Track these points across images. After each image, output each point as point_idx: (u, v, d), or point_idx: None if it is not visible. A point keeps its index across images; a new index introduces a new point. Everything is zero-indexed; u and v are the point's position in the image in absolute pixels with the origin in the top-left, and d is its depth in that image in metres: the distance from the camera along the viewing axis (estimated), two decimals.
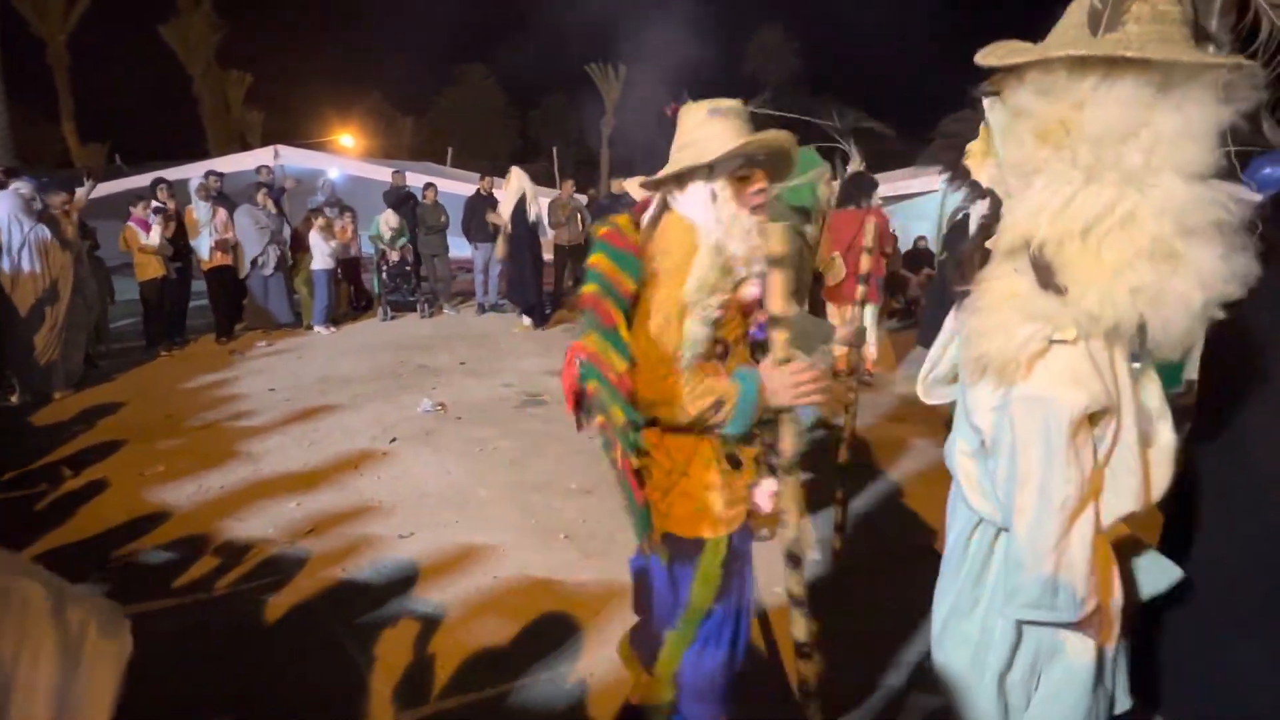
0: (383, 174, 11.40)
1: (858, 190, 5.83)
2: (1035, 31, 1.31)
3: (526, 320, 8.69)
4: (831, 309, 6.38)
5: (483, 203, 9.27)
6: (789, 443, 1.58)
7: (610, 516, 3.72)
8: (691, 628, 1.66)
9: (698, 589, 1.64)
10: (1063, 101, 1.20)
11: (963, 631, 1.55)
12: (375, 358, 7.18)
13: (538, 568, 3.22)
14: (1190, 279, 1.16)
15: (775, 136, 1.58)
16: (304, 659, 2.64)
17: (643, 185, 1.66)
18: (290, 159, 12.16)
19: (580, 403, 1.63)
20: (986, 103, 1.38)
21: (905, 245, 10.43)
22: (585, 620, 2.84)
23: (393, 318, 9.12)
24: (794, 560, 1.62)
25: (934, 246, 9.48)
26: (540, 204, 10.16)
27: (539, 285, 8.71)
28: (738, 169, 1.56)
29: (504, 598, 3.02)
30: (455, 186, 11.86)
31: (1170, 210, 1.15)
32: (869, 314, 6.36)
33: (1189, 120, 1.13)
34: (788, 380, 1.53)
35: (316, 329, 8.31)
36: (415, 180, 10.47)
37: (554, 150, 16.63)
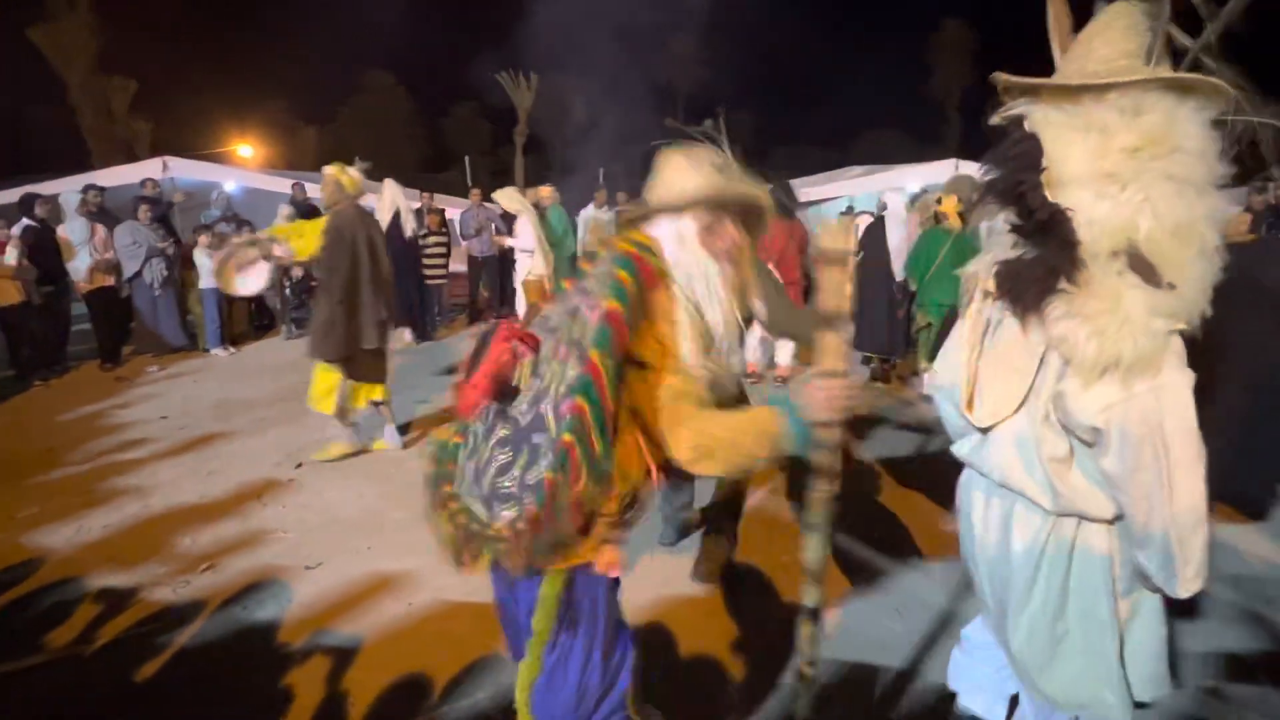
0: (284, 186, 10.88)
1: (785, 200, 5.91)
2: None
3: (407, 335, 8.47)
4: None
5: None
6: (819, 495, 1.53)
7: None
8: (536, 656, 1.63)
9: (538, 615, 1.60)
10: (1149, 117, 1.35)
11: (1078, 644, 1.59)
12: (279, 378, 6.82)
13: (455, 590, 3.11)
14: (1214, 271, 1.38)
15: (748, 188, 1.58)
16: (203, 709, 2.45)
17: (623, 220, 1.64)
18: (181, 171, 11.46)
19: (498, 388, 1.53)
20: (1029, 124, 1.47)
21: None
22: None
23: (297, 335, 8.70)
24: (814, 615, 1.62)
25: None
26: (456, 218, 9.96)
27: (416, 302, 8.56)
28: (707, 214, 1.56)
29: (421, 624, 2.90)
30: (362, 198, 11.44)
31: (1216, 216, 1.37)
32: None
33: (1217, 140, 1.37)
34: (823, 395, 1.43)
35: (213, 351, 7.83)
36: (320, 192, 10.04)
37: (466, 160, 16.29)
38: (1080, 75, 1.40)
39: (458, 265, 10.10)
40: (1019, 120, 1.49)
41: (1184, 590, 1.45)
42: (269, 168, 20.84)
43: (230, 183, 11.82)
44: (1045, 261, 1.44)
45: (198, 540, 3.63)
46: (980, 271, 1.62)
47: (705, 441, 1.43)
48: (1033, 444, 1.52)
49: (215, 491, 4.22)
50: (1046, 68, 1.54)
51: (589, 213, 10.04)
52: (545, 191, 8.76)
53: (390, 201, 8.16)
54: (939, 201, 6.18)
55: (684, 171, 1.58)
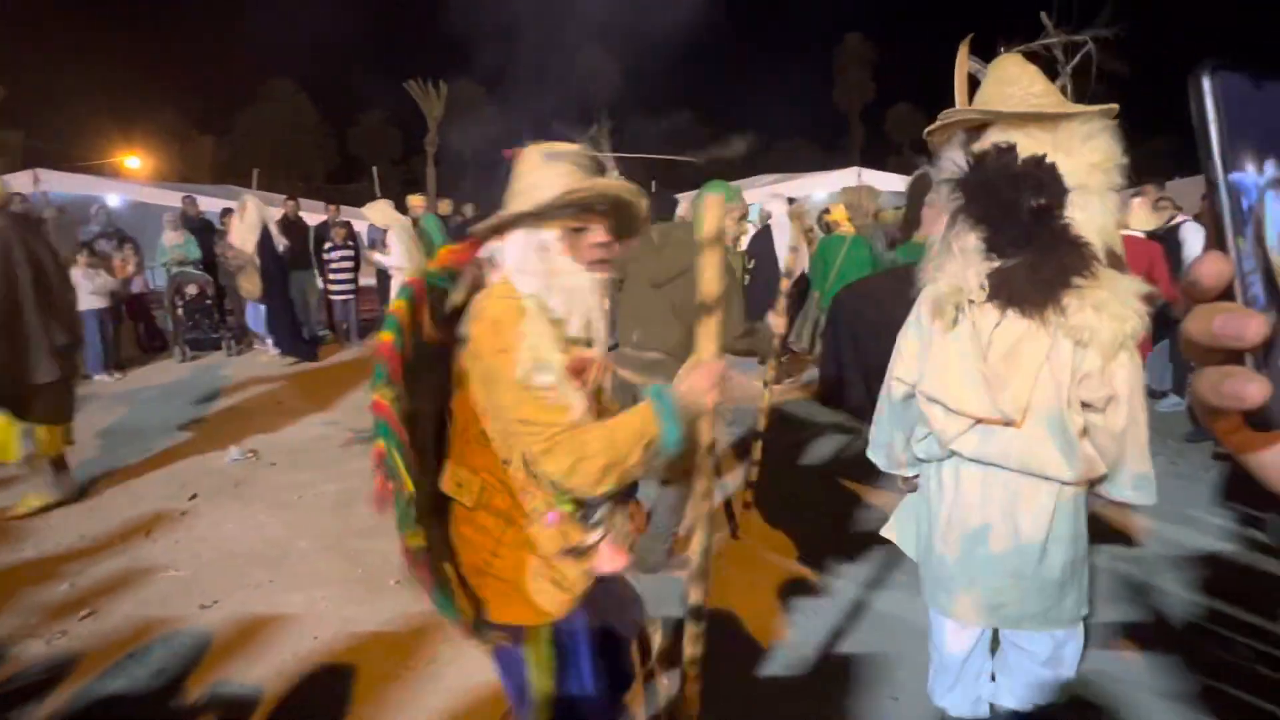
0: (174, 199, 10.27)
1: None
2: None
3: (270, 348, 7.99)
4: None
5: (291, 227, 8.61)
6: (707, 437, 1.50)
7: None
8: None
9: (535, 678, 1.52)
10: (1100, 139, 1.63)
11: (1076, 582, 1.90)
12: (171, 404, 6.39)
13: (365, 621, 2.97)
14: None
15: (609, 184, 1.45)
16: None
17: (474, 234, 1.48)
18: (55, 184, 10.63)
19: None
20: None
21: None
22: (419, 667, 2.65)
23: (193, 358, 8.18)
24: (695, 615, 1.63)
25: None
26: (364, 230, 9.59)
27: (293, 321, 8.12)
28: (571, 219, 1.42)
29: (328, 660, 2.74)
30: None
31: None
32: None
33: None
34: (705, 379, 1.41)
35: (96, 377, 7.25)
36: (217, 205, 9.52)
37: (374, 170, 15.80)
38: (1045, 107, 1.67)
39: (368, 279, 9.74)
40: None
41: (1152, 498, 1.82)
42: (159, 180, 19.61)
43: (113, 196, 11.06)
44: (1056, 263, 1.64)
45: (77, 585, 3.32)
46: (963, 286, 1.73)
47: (584, 461, 1.35)
48: (1059, 424, 1.71)
49: (97, 530, 3.89)
50: (938, 80, 1.88)
51: None
52: (416, 201, 8.23)
53: (255, 219, 7.63)
54: (827, 211, 6.50)
55: (541, 171, 1.44)
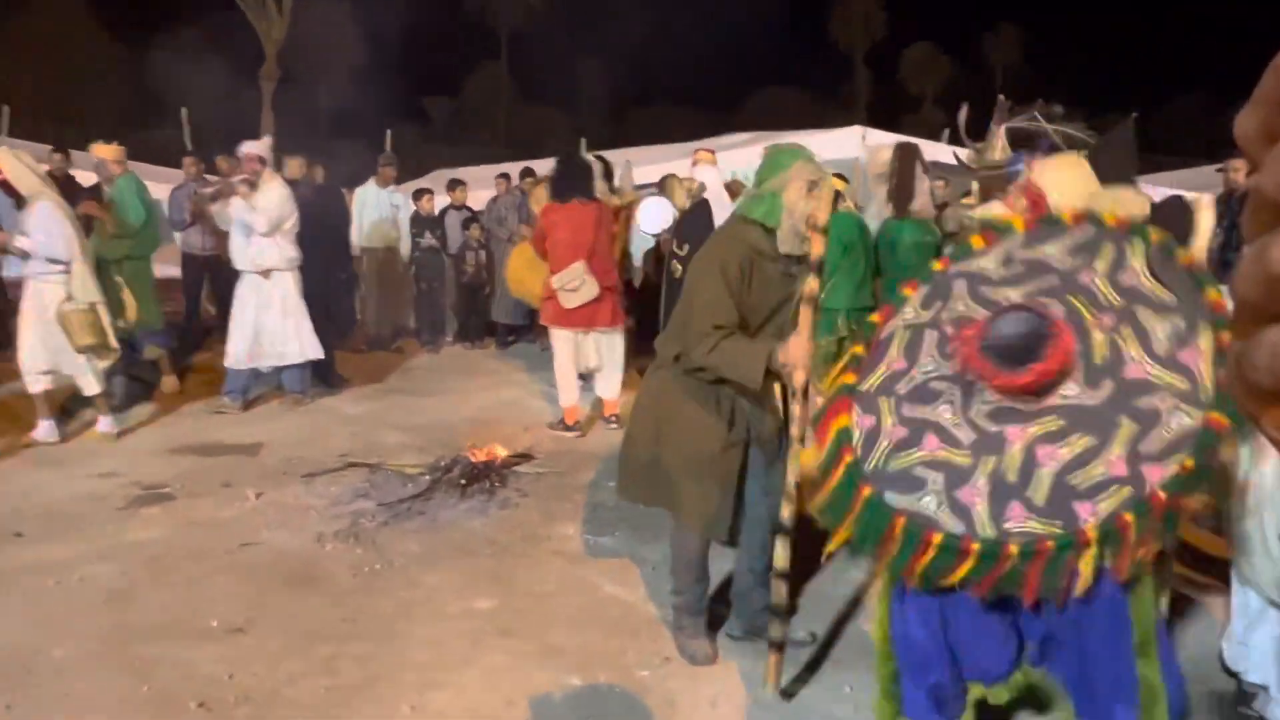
0: None
1: (580, 179, 6.28)
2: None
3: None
4: (562, 336, 6.37)
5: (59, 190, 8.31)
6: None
7: (274, 662, 3.42)
8: (1157, 681, 1.84)
9: (1139, 628, 1.82)
10: None
11: None
12: None
13: None
14: None
15: None
16: None
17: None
18: None
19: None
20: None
21: None
22: None
23: None
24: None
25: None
26: (164, 199, 9.34)
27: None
28: None
29: None
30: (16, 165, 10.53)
31: None
32: (619, 341, 6.52)
33: None
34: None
35: None
36: None
37: (184, 112, 15.43)
38: None
39: (170, 268, 9.47)
40: None
41: None
42: None
43: None
44: None
45: None
46: None
47: None
48: None
49: None
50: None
51: (369, 192, 9.75)
52: (109, 152, 7.35)
53: (38, 183, 7.07)
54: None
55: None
